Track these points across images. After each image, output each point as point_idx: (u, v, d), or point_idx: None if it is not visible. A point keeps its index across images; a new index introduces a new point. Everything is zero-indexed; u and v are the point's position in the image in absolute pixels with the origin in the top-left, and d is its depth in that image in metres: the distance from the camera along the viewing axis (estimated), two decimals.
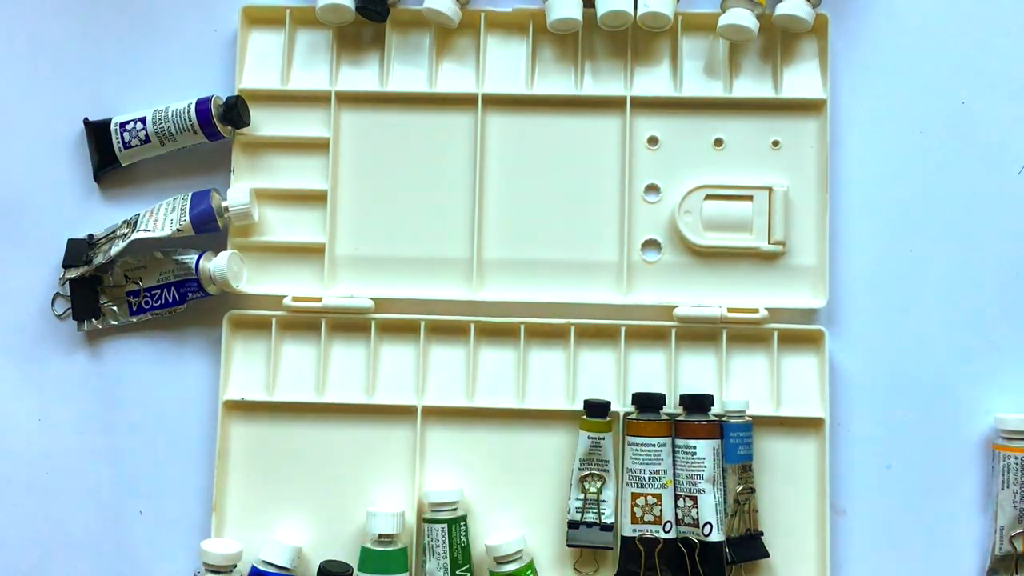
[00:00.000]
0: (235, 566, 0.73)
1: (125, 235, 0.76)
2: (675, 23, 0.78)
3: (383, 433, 0.77)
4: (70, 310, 0.79)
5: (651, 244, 0.78)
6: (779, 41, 0.78)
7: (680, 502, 0.73)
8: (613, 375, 0.77)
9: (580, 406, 0.76)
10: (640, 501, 0.73)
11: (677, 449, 0.73)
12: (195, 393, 0.79)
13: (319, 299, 0.77)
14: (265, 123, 0.79)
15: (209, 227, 0.76)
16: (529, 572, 0.74)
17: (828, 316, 0.77)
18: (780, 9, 0.76)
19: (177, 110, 0.77)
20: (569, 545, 0.74)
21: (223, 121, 0.77)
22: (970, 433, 0.76)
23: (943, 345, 0.77)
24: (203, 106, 0.77)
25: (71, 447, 0.78)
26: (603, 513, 0.74)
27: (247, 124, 0.78)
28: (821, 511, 0.75)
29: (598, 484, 0.74)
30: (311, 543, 0.76)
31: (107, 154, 0.79)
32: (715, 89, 0.79)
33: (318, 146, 0.79)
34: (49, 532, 0.78)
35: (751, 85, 0.79)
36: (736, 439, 0.73)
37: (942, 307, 0.78)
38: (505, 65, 0.79)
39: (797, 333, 0.76)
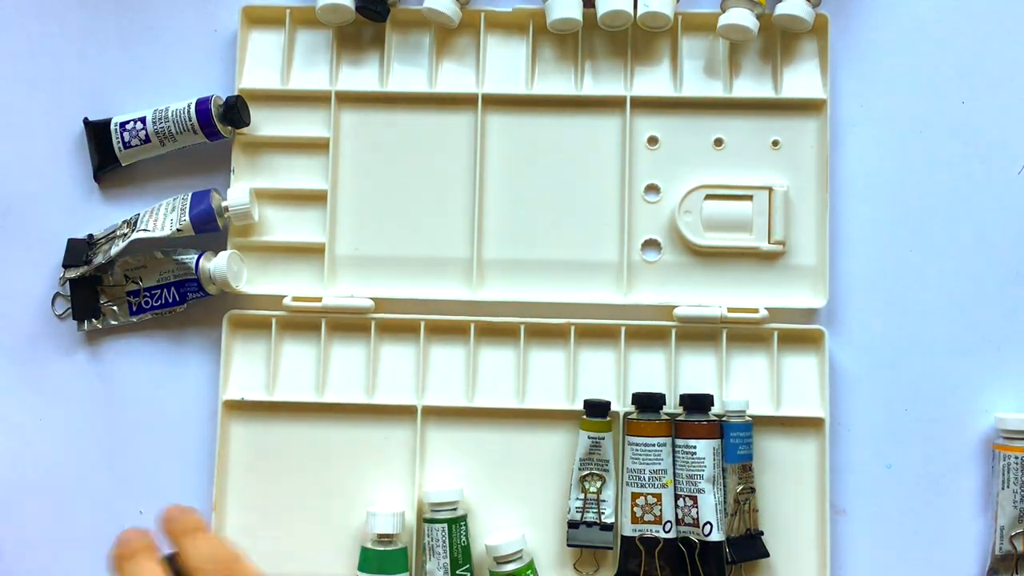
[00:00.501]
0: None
1: (125, 235, 0.76)
2: (675, 23, 0.78)
3: (383, 433, 0.77)
4: (70, 310, 0.79)
5: (651, 244, 0.78)
6: (779, 41, 0.78)
7: (680, 502, 0.73)
8: (613, 375, 0.77)
9: (580, 406, 0.76)
10: (640, 501, 0.73)
11: (677, 449, 0.73)
12: (195, 393, 0.79)
13: (319, 299, 0.77)
14: (265, 123, 0.79)
15: (209, 227, 0.76)
16: (529, 572, 0.73)
17: (828, 316, 0.77)
18: (780, 9, 0.76)
19: (177, 110, 0.77)
20: (569, 545, 0.74)
21: (223, 121, 0.77)
22: (970, 433, 0.76)
23: (943, 345, 0.77)
24: (203, 106, 0.77)
25: (71, 447, 0.78)
26: (603, 513, 0.74)
27: (247, 124, 0.78)
28: (821, 511, 0.75)
29: (598, 484, 0.74)
30: (310, 543, 0.76)
31: (107, 154, 0.79)
32: (715, 89, 0.79)
33: (318, 146, 0.79)
34: (49, 532, 0.78)
35: (751, 85, 0.79)
36: (736, 439, 0.73)
37: (942, 307, 0.78)
38: (505, 65, 0.80)
39: (797, 333, 0.76)
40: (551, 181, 0.79)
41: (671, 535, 0.73)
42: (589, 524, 0.74)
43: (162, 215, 0.77)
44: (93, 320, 0.78)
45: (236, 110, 0.77)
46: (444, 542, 0.73)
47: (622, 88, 0.79)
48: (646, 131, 0.79)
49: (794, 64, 0.79)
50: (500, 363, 0.78)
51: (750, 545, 0.74)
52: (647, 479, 0.73)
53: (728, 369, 0.77)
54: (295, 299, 0.78)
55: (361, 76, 0.80)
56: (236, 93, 0.79)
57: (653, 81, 0.79)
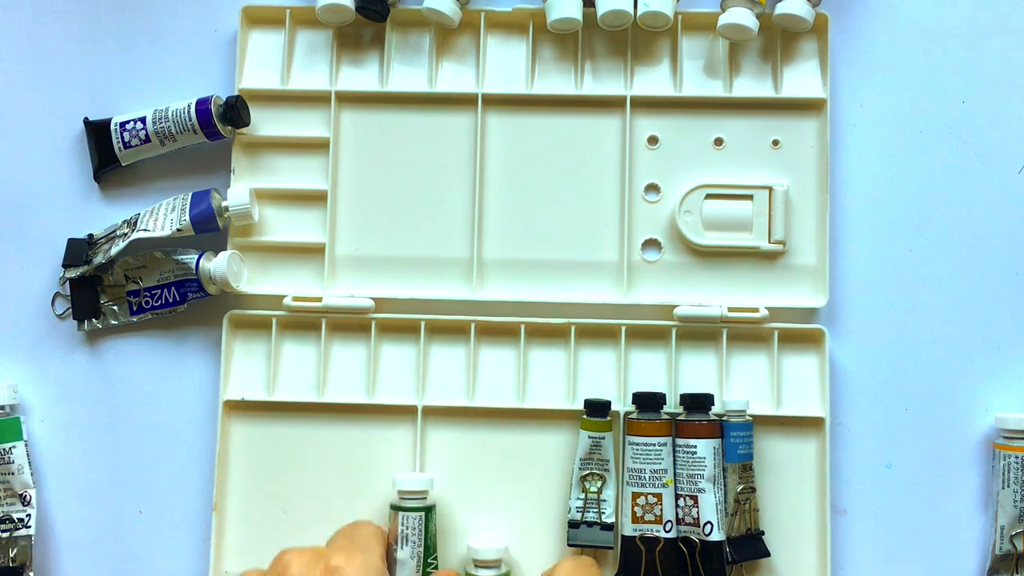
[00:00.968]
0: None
1: (125, 235, 0.76)
2: (675, 23, 0.78)
3: (383, 433, 0.77)
4: (70, 310, 0.79)
5: (651, 244, 0.78)
6: (779, 41, 0.78)
7: (681, 501, 0.73)
8: (613, 375, 0.77)
9: (581, 406, 0.76)
10: (641, 500, 0.73)
11: (677, 449, 0.73)
12: (195, 393, 0.79)
13: (319, 299, 0.77)
14: (265, 123, 0.79)
15: (209, 227, 0.76)
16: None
17: (828, 315, 0.77)
18: (780, 9, 0.76)
19: (177, 110, 0.77)
20: (570, 544, 0.74)
21: (223, 121, 0.77)
22: (970, 432, 0.76)
23: (943, 344, 0.77)
24: (203, 106, 0.77)
25: (71, 447, 0.78)
26: (603, 512, 0.74)
27: (247, 124, 0.78)
28: (821, 511, 0.75)
29: (598, 484, 0.74)
30: (311, 543, 0.76)
31: (107, 154, 0.79)
32: (715, 89, 0.79)
33: (318, 146, 0.79)
34: (49, 532, 0.78)
35: (751, 85, 0.79)
36: (736, 438, 0.73)
37: (942, 306, 0.78)
38: (505, 65, 0.80)
39: (797, 332, 0.76)
40: (551, 181, 0.79)
41: (671, 535, 0.73)
42: (590, 524, 0.74)
43: (162, 215, 0.77)
44: (93, 320, 0.78)
45: (236, 110, 0.77)
46: (419, 531, 0.72)
47: (622, 88, 0.79)
48: (646, 131, 0.79)
49: (794, 64, 0.79)
50: (500, 363, 0.78)
51: (751, 545, 0.74)
52: (647, 479, 0.73)
53: (728, 369, 0.77)
54: (295, 299, 0.77)
55: (361, 76, 0.80)
56: (236, 93, 0.79)
57: (653, 81, 0.79)
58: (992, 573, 0.75)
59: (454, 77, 0.80)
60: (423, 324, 0.77)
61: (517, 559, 0.76)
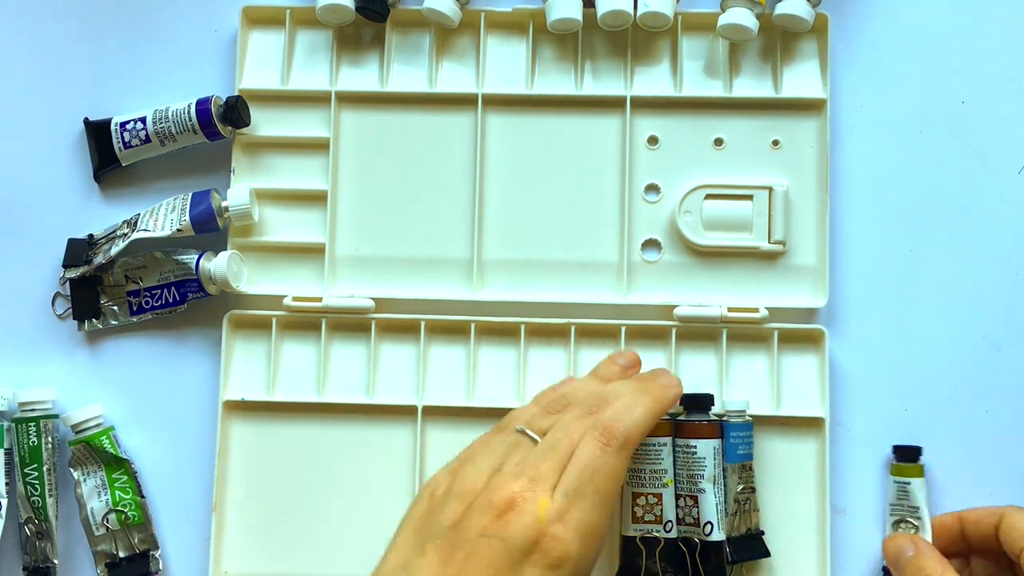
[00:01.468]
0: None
1: (125, 235, 0.76)
2: (675, 23, 0.78)
3: (384, 433, 0.77)
4: (70, 310, 0.79)
5: (651, 244, 0.78)
6: (779, 41, 0.78)
7: (681, 502, 0.73)
8: None
9: None
10: (641, 500, 0.73)
11: (677, 449, 0.73)
12: (195, 393, 0.79)
13: (319, 299, 0.77)
14: (265, 123, 0.79)
15: (209, 227, 0.76)
16: (103, 438, 0.75)
17: (828, 316, 0.77)
18: (780, 9, 0.76)
19: (177, 110, 0.77)
20: None
21: (223, 121, 0.77)
22: (970, 432, 0.76)
23: (943, 345, 0.77)
24: (203, 106, 0.77)
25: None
26: None
27: (247, 124, 0.78)
28: (821, 511, 0.75)
29: None
30: (312, 543, 0.76)
31: (107, 154, 0.79)
32: (715, 89, 0.79)
33: (318, 146, 0.79)
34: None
35: (751, 85, 0.79)
36: (736, 439, 0.73)
37: (942, 307, 0.78)
38: (505, 65, 0.80)
39: (797, 333, 0.76)
40: (551, 181, 0.79)
41: (672, 535, 0.73)
42: None
43: (162, 215, 0.77)
44: (93, 320, 0.78)
45: (236, 110, 0.77)
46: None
47: (622, 88, 0.79)
48: (646, 131, 0.79)
49: (794, 64, 0.79)
50: (500, 363, 0.78)
51: (751, 545, 0.74)
52: (647, 479, 0.73)
53: (728, 369, 0.77)
54: (295, 299, 0.77)
55: (361, 76, 0.80)
56: (236, 94, 0.79)
57: (653, 81, 0.79)
58: None
59: (454, 77, 0.80)
60: (423, 324, 0.77)
61: None
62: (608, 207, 0.78)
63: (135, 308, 0.78)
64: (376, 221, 0.79)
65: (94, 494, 0.76)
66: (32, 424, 0.75)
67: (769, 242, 0.77)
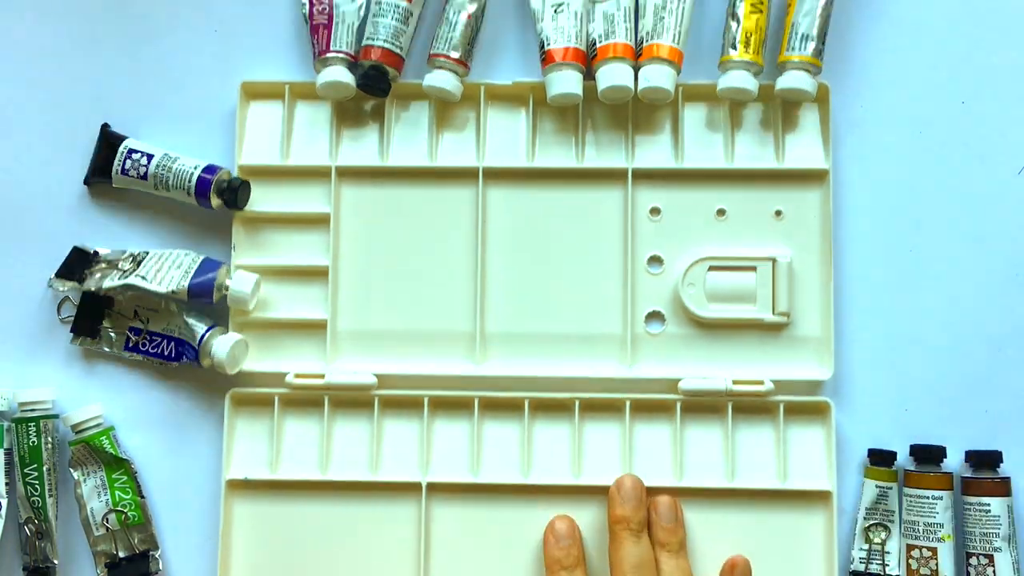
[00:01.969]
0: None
1: (124, 272, 0.76)
2: (676, 94, 0.78)
3: (388, 510, 0.77)
4: (72, 318, 0.78)
5: (655, 316, 0.78)
6: (780, 110, 0.78)
7: (974, 560, 0.73)
8: (618, 449, 0.77)
9: (584, 481, 0.76)
10: (915, 553, 0.73)
11: (968, 506, 0.73)
12: (198, 470, 0.78)
13: (322, 375, 0.77)
14: (265, 199, 0.79)
15: (204, 299, 0.76)
16: (103, 437, 0.75)
17: (834, 388, 0.77)
18: (782, 82, 0.76)
19: (182, 168, 0.77)
20: None
21: (219, 195, 0.77)
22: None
23: (947, 408, 0.77)
24: (207, 175, 0.77)
25: None
26: (888, 565, 0.74)
27: (240, 208, 0.77)
28: None
29: (883, 535, 0.74)
30: None
31: (105, 168, 0.79)
32: (717, 160, 0.78)
33: (319, 221, 0.79)
34: None
35: (752, 155, 0.78)
36: None
37: (946, 367, 0.77)
38: (505, 138, 0.79)
39: (803, 405, 0.76)
40: (553, 254, 0.78)
41: None
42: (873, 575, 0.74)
43: (166, 267, 0.76)
44: (88, 338, 0.78)
45: (235, 192, 0.76)
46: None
47: (623, 160, 0.78)
48: (648, 202, 0.78)
49: (795, 133, 0.78)
50: (505, 438, 0.77)
51: None
52: (921, 532, 0.73)
53: (734, 442, 0.76)
54: (297, 376, 0.77)
55: (361, 150, 0.80)
56: (237, 172, 0.79)
57: (654, 152, 0.79)
58: None
59: (455, 150, 0.79)
60: (426, 400, 0.77)
61: None
62: (611, 279, 0.78)
63: (131, 344, 0.78)
64: (378, 296, 0.78)
65: (94, 494, 0.76)
66: (32, 424, 0.75)
67: (773, 314, 0.77)
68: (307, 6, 0.79)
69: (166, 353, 0.77)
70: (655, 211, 0.78)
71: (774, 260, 0.77)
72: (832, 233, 0.77)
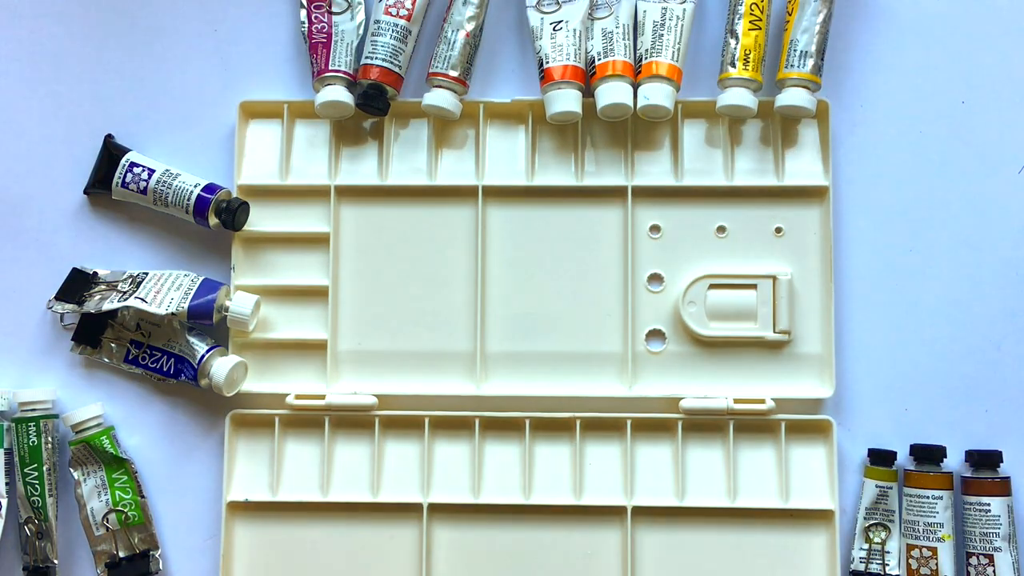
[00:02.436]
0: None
1: (124, 294, 0.76)
2: (675, 112, 0.77)
3: (389, 531, 0.76)
4: (74, 325, 0.78)
5: (655, 334, 0.78)
6: (779, 127, 0.78)
7: (974, 560, 0.72)
8: (619, 468, 0.76)
9: (586, 501, 0.76)
10: (915, 553, 0.72)
11: (968, 506, 0.73)
12: (197, 490, 0.78)
13: (322, 396, 0.77)
14: (265, 218, 0.79)
15: (204, 320, 0.76)
16: (104, 437, 0.75)
17: (835, 405, 0.77)
18: (781, 100, 0.75)
19: (182, 186, 0.77)
20: None
21: (217, 215, 0.77)
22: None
23: (947, 408, 0.77)
24: (207, 194, 0.77)
25: None
26: (888, 564, 0.73)
27: (237, 230, 0.77)
28: None
29: (883, 534, 0.74)
30: None
31: (105, 179, 0.79)
32: (716, 177, 0.78)
33: (318, 241, 0.79)
34: None
35: (752, 172, 0.78)
36: None
37: (946, 367, 0.77)
38: (505, 156, 0.79)
39: (805, 424, 0.76)
40: (553, 272, 0.78)
41: None
42: (873, 575, 0.74)
43: (165, 288, 0.76)
44: (88, 347, 0.78)
45: (232, 214, 0.76)
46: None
47: (623, 178, 0.78)
48: (648, 220, 0.78)
49: (795, 150, 0.78)
50: (505, 458, 0.77)
51: None
52: (921, 531, 0.72)
53: (736, 461, 0.76)
54: (298, 397, 0.77)
55: (360, 169, 0.79)
56: (236, 192, 0.78)
57: (654, 170, 0.79)
58: None
59: (454, 169, 0.79)
60: (427, 420, 0.77)
61: None
62: (611, 298, 0.78)
63: (130, 357, 0.78)
64: (378, 315, 0.78)
65: (94, 494, 0.76)
66: (32, 424, 0.75)
67: (774, 332, 0.76)
68: (306, 25, 0.79)
69: (165, 369, 0.77)
70: (655, 229, 0.78)
71: (775, 278, 0.77)
72: (832, 250, 0.77)
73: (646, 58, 0.76)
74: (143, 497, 0.77)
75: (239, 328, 0.77)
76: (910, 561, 0.74)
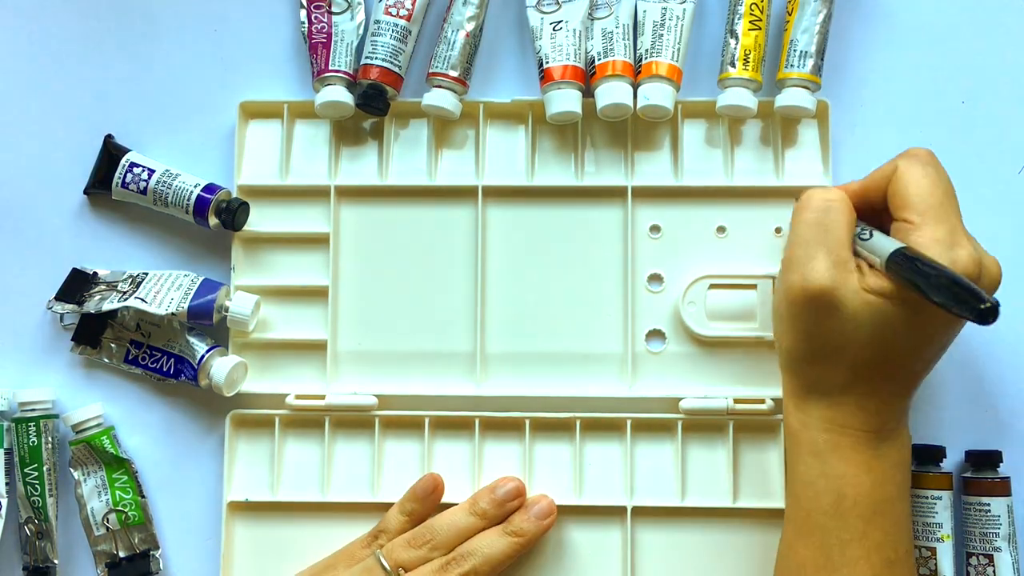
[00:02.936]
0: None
1: (123, 294, 0.76)
2: (675, 111, 0.77)
3: None
4: (74, 325, 0.78)
5: (655, 334, 0.78)
6: (779, 127, 0.78)
7: (974, 560, 0.72)
8: (620, 468, 0.76)
9: (586, 501, 0.76)
10: (915, 553, 0.72)
11: (968, 506, 0.73)
12: (197, 490, 0.78)
13: (322, 396, 0.77)
14: (265, 218, 0.79)
15: (204, 321, 0.76)
16: (104, 437, 0.75)
17: None
18: (781, 100, 0.75)
19: (182, 185, 0.77)
20: None
21: (217, 215, 0.77)
22: None
23: (947, 408, 0.77)
24: (207, 194, 0.76)
25: None
26: None
27: (238, 230, 0.77)
28: None
29: None
30: None
31: (105, 179, 0.79)
32: (716, 177, 0.78)
33: (318, 241, 0.79)
34: None
35: (752, 172, 0.78)
36: None
37: (946, 367, 0.76)
38: (505, 156, 0.79)
39: None
40: (553, 272, 0.78)
41: None
42: None
43: (165, 289, 0.76)
44: (88, 347, 0.78)
45: (232, 214, 0.76)
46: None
47: (623, 178, 0.78)
48: (648, 220, 0.78)
49: (795, 150, 0.78)
50: (506, 458, 0.77)
51: None
52: (920, 531, 0.72)
53: (738, 461, 0.76)
54: (298, 397, 0.77)
55: (360, 169, 0.79)
56: (236, 192, 0.78)
57: (654, 170, 0.79)
58: None
59: (454, 169, 0.79)
60: (427, 420, 0.77)
61: None
62: (611, 298, 0.78)
63: (130, 357, 0.78)
64: (378, 315, 0.78)
65: (94, 494, 0.76)
66: (32, 424, 0.75)
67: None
68: (306, 25, 0.79)
69: (165, 369, 0.77)
70: (655, 228, 0.78)
71: (774, 278, 0.77)
72: None
73: (646, 58, 0.76)
74: (143, 497, 0.77)
75: (239, 328, 0.77)
76: None
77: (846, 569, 0.63)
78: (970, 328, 0.76)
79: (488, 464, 0.77)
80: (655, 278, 0.78)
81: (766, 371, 0.76)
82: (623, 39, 0.76)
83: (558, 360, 0.77)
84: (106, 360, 0.78)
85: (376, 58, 0.77)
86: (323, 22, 0.78)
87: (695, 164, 0.78)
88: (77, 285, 0.78)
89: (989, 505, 0.73)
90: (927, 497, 0.73)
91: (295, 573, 0.73)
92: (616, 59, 0.76)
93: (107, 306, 0.76)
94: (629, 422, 0.76)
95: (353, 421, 0.77)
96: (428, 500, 0.74)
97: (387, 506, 0.76)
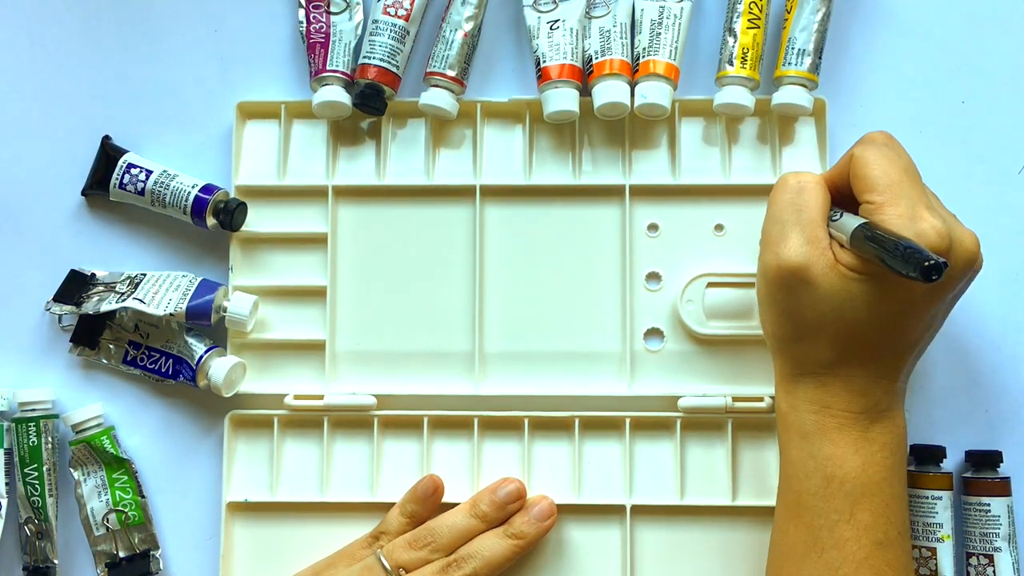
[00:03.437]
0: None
1: (121, 295, 0.76)
2: (672, 110, 0.77)
3: None
4: (72, 326, 0.78)
5: (654, 333, 0.78)
6: (777, 125, 0.78)
7: (974, 560, 0.72)
8: (619, 467, 0.76)
9: (585, 499, 0.76)
10: (915, 554, 0.72)
11: (968, 506, 0.73)
12: (196, 490, 0.78)
13: (321, 396, 0.77)
14: (263, 219, 0.79)
15: (202, 321, 0.76)
16: (104, 437, 0.75)
17: None
18: (778, 98, 0.75)
19: (179, 186, 0.77)
20: None
21: (215, 216, 0.77)
22: None
23: (947, 408, 0.77)
24: (204, 194, 0.77)
25: None
26: None
27: (235, 230, 0.77)
28: None
29: None
30: None
31: (103, 180, 0.79)
32: (714, 175, 0.78)
33: (316, 241, 0.79)
34: None
35: (749, 170, 0.78)
36: None
37: (946, 367, 0.77)
38: (502, 155, 0.79)
39: None
40: (551, 271, 0.78)
41: None
42: None
43: (163, 289, 0.76)
44: (87, 348, 0.78)
45: (230, 215, 0.76)
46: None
47: (620, 176, 0.78)
48: (646, 218, 0.78)
49: (792, 148, 0.78)
50: (505, 457, 0.77)
51: None
52: (920, 532, 0.72)
53: (737, 459, 0.76)
54: (296, 397, 0.77)
55: (358, 169, 0.79)
56: (234, 192, 0.78)
57: (652, 168, 0.79)
58: None
59: (451, 168, 0.79)
60: (426, 420, 0.77)
61: None
62: (609, 296, 0.78)
63: (129, 358, 0.78)
64: (376, 315, 0.78)
65: (94, 494, 0.76)
66: (32, 424, 0.76)
67: None
68: (304, 24, 0.79)
69: (163, 370, 0.77)
70: (653, 227, 0.78)
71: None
72: None
73: (643, 57, 0.76)
74: (143, 497, 0.77)
75: (237, 328, 0.77)
76: None
77: (836, 551, 0.63)
78: (970, 328, 0.77)
79: (487, 463, 0.77)
80: (653, 277, 0.78)
81: (765, 369, 0.76)
82: (620, 38, 0.76)
83: (557, 359, 0.77)
84: (104, 361, 0.78)
85: (374, 58, 0.77)
86: (321, 22, 0.78)
87: (693, 162, 0.78)
88: (75, 286, 0.78)
89: (989, 505, 0.72)
90: (927, 497, 0.73)
91: (295, 573, 0.73)
92: (613, 58, 0.76)
93: (105, 307, 0.76)
94: (628, 421, 0.76)
95: (352, 421, 0.77)
96: (428, 502, 0.74)
97: (386, 506, 0.76)
